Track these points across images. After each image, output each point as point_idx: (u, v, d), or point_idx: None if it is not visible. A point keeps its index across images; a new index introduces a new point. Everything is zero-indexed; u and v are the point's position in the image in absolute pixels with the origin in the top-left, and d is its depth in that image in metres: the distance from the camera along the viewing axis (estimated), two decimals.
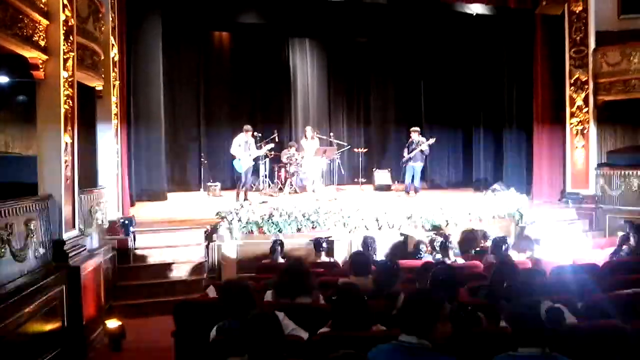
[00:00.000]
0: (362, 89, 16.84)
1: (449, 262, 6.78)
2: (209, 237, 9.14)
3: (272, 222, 9.37)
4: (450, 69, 15.57)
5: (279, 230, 9.21)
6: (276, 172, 14.04)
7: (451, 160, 15.77)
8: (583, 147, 12.21)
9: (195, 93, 14.75)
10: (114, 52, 8.67)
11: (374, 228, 9.80)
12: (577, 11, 12.13)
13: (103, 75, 8.15)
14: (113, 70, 8.57)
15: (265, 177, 13.92)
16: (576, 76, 12.24)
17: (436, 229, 10.22)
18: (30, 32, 5.86)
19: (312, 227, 9.49)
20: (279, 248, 7.48)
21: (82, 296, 6.32)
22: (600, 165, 12.09)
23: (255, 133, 12.63)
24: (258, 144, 13.21)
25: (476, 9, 13.14)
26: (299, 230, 9.38)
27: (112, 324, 6.64)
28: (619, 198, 11.64)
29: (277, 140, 13.84)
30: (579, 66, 12.21)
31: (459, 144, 15.59)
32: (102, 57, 7.99)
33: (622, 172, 11.68)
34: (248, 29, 14.42)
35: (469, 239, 9.01)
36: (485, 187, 13.49)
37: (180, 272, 8.56)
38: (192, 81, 14.69)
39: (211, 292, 4.98)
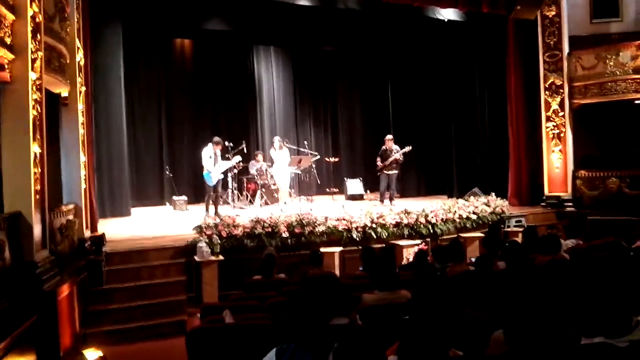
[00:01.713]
0: (329, 97, 16.44)
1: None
2: (186, 253, 8.46)
3: (255, 236, 8.81)
4: (420, 76, 15.36)
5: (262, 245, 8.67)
6: (245, 185, 13.43)
7: (422, 167, 15.47)
8: (560, 150, 12.16)
9: (156, 103, 13.97)
10: (80, 56, 7.92)
11: (359, 238, 9.40)
12: (551, 16, 12.12)
13: (69, 81, 7.40)
14: (79, 76, 7.82)
15: (234, 189, 13.30)
16: (551, 80, 12.20)
17: (423, 237, 9.93)
18: None
19: (298, 240, 9.00)
20: (272, 263, 6.85)
21: (58, 325, 5.57)
22: (578, 168, 12.03)
23: (227, 143, 12.01)
24: (227, 155, 12.62)
25: (448, 14, 13.00)
26: (284, 243, 8.84)
27: (92, 355, 5.89)
28: (598, 201, 11.61)
29: (245, 151, 13.25)
30: (553, 70, 12.18)
31: (429, 151, 15.30)
32: (69, 61, 7.25)
33: (600, 175, 11.67)
34: (211, 36, 13.79)
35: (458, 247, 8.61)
36: (459, 193, 13.26)
37: (158, 293, 7.83)
38: (152, 90, 13.92)
39: (227, 316, 4.34)
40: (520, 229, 10.84)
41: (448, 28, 13.65)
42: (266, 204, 12.98)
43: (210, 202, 11.61)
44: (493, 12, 12.22)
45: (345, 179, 15.06)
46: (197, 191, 13.66)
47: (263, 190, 13.14)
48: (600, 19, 12.03)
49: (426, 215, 10.01)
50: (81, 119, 7.85)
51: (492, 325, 3.09)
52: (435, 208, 10.33)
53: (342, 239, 9.28)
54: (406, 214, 9.87)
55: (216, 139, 11.50)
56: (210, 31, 13.34)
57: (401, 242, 9.56)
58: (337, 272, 8.66)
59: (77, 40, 7.72)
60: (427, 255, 7.18)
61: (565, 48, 12.03)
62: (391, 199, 12.75)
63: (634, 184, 11.21)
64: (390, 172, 12.73)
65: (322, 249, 9.01)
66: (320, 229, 9.14)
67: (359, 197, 14.30)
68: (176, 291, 7.98)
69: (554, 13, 12.08)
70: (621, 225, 10.57)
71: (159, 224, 10.61)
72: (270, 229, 8.88)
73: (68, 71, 7.22)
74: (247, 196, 13.30)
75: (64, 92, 7.37)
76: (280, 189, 13.00)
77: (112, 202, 11.48)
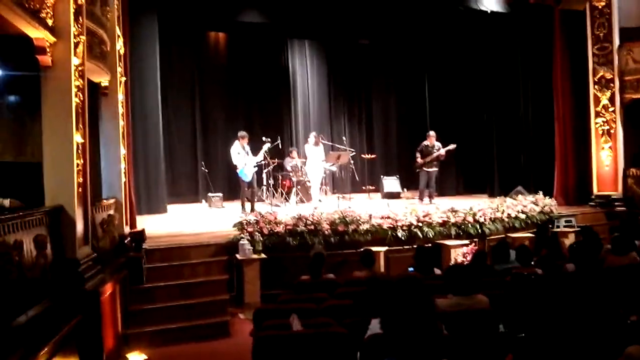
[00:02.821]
0: (364, 93, 16.03)
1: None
2: (228, 251, 8.14)
3: (298, 234, 8.45)
4: (459, 70, 14.80)
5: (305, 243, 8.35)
6: (280, 181, 13.09)
7: (461, 165, 14.93)
8: (610, 147, 11.60)
9: (190, 96, 13.71)
10: (120, 44, 7.62)
11: (405, 237, 8.99)
12: (600, 7, 11.59)
13: (109, 70, 7.11)
14: (119, 65, 7.53)
15: (269, 186, 12.99)
16: (600, 74, 11.66)
17: (471, 237, 9.48)
18: (38, 6, 4.84)
19: (341, 239, 8.62)
20: (321, 262, 6.46)
21: (101, 326, 5.27)
22: (629, 166, 11.47)
23: (264, 138, 11.69)
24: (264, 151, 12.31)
25: (491, 5, 12.46)
26: (327, 241, 8.45)
27: (136, 358, 5.58)
28: None
29: (280, 146, 12.93)
30: (603, 64, 11.64)
31: (469, 148, 14.73)
32: (109, 48, 6.96)
33: None
34: (246, 28, 13.43)
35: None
36: (501, 192, 12.76)
37: (200, 292, 7.50)
38: (186, 84, 13.66)
39: (295, 323, 3.94)
40: (571, 229, 10.36)
41: (490, 20, 13.09)
42: (301, 201, 12.66)
43: (246, 198, 11.31)
44: (540, 3, 11.71)
45: (381, 176, 14.65)
46: (232, 188, 13.38)
47: (298, 187, 12.81)
48: None
49: (474, 214, 9.55)
50: (121, 110, 7.56)
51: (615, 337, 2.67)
52: (483, 207, 9.88)
53: (386, 238, 8.88)
54: (453, 213, 9.42)
55: (241, 133, 11.17)
56: (245, 24, 12.97)
57: (448, 242, 9.11)
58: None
59: (117, 27, 7.42)
60: (486, 256, 6.73)
61: (616, 40, 11.46)
62: (431, 197, 12.32)
63: None
64: (430, 170, 12.31)
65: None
66: (365, 227, 8.75)
67: (396, 195, 13.87)
68: (218, 290, 7.65)
69: (603, 4, 11.53)
70: None
71: (196, 221, 10.33)
72: (312, 227, 8.52)
73: (109, 59, 6.94)
74: (282, 193, 12.97)
75: (104, 82, 7.08)
76: (312, 186, 12.61)
77: (148, 198, 11.21)
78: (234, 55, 14.23)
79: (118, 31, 7.54)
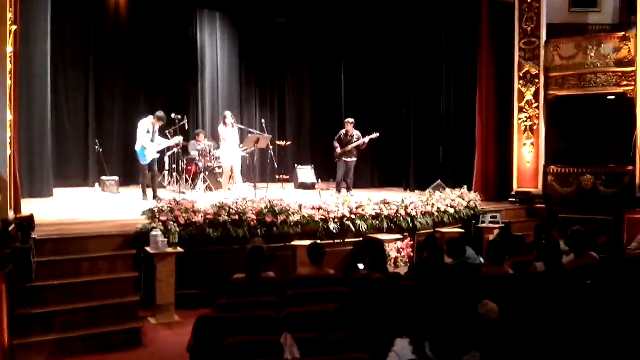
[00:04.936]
0: (278, 75, 14.99)
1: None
2: (137, 244, 6.89)
3: (219, 225, 7.37)
4: (378, 58, 14.19)
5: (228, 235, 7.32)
6: (185, 166, 11.82)
7: (376, 156, 14.34)
8: (532, 144, 11.46)
9: (84, 67, 11.99)
10: None
11: (336, 230, 8.20)
12: (529, 0, 11.34)
13: None
14: (9, 10, 6.02)
15: (172, 171, 11.72)
16: (526, 69, 11.46)
17: (402, 231, 8.87)
18: None
19: (269, 231, 7.64)
20: (260, 258, 5.46)
21: None
22: (549, 164, 11.41)
23: (173, 115, 10.45)
24: (167, 131, 11.07)
25: None
26: (252, 233, 7.44)
27: None
28: (570, 198, 11.07)
29: (186, 127, 11.70)
30: (529, 59, 11.44)
31: (385, 139, 14.05)
32: None
33: (573, 171, 11.12)
34: None
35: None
36: (417, 186, 12.38)
37: (103, 293, 6.23)
38: (80, 52, 11.93)
39: (290, 347, 2.92)
40: (496, 225, 10.08)
41: (415, 7, 12.66)
42: (209, 189, 11.49)
43: (147, 183, 10.06)
44: None
45: (296, 165, 13.76)
46: (128, 172, 12.10)
47: (206, 174, 11.62)
48: (579, 8, 11.44)
49: (406, 207, 8.95)
50: (9, 65, 6.07)
51: None
52: (414, 199, 9.33)
53: (318, 231, 8.02)
54: (386, 205, 8.76)
55: (159, 114, 10.01)
56: None
57: (381, 236, 8.41)
58: None
59: None
60: (442, 250, 6.07)
61: (543, 36, 11.30)
62: (348, 189, 11.58)
63: (609, 182, 10.70)
64: (349, 160, 11.60)
65: (296, 242, 7.80)
66: (295, 218, 7.84)
67: (311, 186, 13.05)
68: (126, 290, 6.40)
69: None
70: (594, 225, 9.97)
71: (91, 207, 8.90)
72: (237, 217, 7.47)
73: None
74: (186, 179, 11.73)
75: None
76: (225, 172, 11.31)
77: (30, 179, 9.54)
78: (136, 23, 12.60)
79: None
